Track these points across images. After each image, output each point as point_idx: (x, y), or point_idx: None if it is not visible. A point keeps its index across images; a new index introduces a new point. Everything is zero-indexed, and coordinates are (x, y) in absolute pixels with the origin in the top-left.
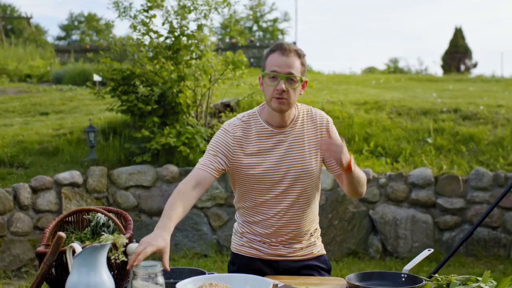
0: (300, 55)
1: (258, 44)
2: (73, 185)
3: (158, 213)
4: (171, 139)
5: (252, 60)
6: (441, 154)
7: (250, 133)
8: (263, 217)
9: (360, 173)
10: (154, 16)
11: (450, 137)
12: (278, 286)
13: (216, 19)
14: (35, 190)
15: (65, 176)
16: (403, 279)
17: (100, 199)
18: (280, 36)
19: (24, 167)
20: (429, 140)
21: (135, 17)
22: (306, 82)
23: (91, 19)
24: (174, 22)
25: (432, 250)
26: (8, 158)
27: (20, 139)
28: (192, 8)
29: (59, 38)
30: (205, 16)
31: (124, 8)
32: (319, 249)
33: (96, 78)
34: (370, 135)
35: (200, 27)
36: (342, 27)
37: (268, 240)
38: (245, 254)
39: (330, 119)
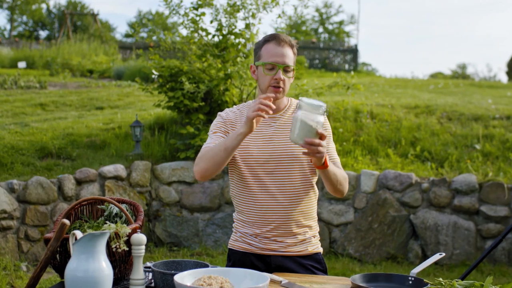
0: (292, 45)
1: (321, 45)
2: (116, 178)
3: (200, 209)
4: None
5: (316, 61)
6: (488, 160)
7: (241, 117)
8: (249, 204)
9: (338, 171)
10: (204, 14)
11: (500, 144)
12: (282, 283)
13: (282, 21)
14: (79, 182)
15: (109, 169)
16: (410, 282)
17: (143, 193)
18: (346, 39)
19: (71, 159)
20: (477, 147)
21: (185, 14)
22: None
23: (158, 17)
24: (223, 20)
25: (444, 254)
26: (56, 150)
27: (70, 131)
28: (240, 7)
29: (126, 35)
30: (253, 15)
31: (175, 5)
32: (315, 247)
33: (154, 75)
34: (417, 139)
35: (248, 26)
36: (411, 31)
37: (258, 231)
38: (239, 249)
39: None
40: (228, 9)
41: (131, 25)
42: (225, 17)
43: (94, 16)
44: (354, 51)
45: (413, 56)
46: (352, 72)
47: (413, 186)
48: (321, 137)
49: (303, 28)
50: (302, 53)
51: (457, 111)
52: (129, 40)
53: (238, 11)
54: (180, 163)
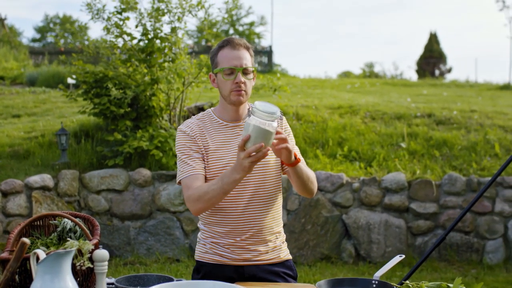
0: (248, 47)
1: None
2: (44, 188)
3: (131, 217)
4: (144, 143)
5: None
6: (414, 158)
7: (206, 128)
8: (223, 214)
9: (308, 169)
10: (128, 18)
11: (424, 142)
12: None
13: (192, 22)
14: (5, 194)
15: (35, 179)
16: (374, 285)
17: (71, 203)
18: (256, 40)
19: None
20: (403, 145)
21: (108, 19)
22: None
23: (66, 21)
24: (148, 24)
25: (404, 256)
26: None
27: None
28: (166, 10)
29: (34, 40)
30: (178, 19)
31: (98, 10)
32: (285, 253)
33: (70, 80)
34: (344, 140)
35: (173, 29)
36: (319, 31)
37: (232, 241)
38: (209, 261)
39: (283, 117)
40: (153, 13)
41: (39, 29)
42: (150, 21)
43: (1, 20)
44: (268, 52)
45: (322, 55)
46: (278, 74)
47: (344, 186)
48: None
49: (214, 30)
50: None
51: (380, 111)
52: (36, 44)
53: (163, 15)
54: (108, 170)
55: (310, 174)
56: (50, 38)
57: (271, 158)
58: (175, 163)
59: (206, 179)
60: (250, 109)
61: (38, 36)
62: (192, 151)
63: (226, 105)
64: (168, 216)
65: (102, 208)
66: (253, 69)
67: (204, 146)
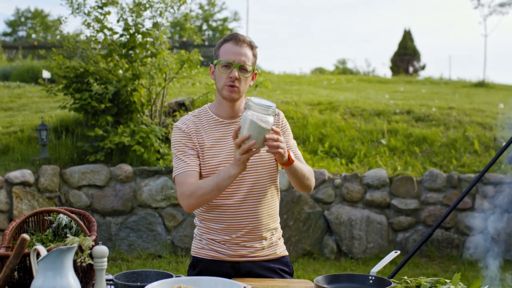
0: (252, 46)
1: (206, 43)
2: (24, 184)
3: (112, 213)
4: (125, 138)
5: (202, 59)
6: (395, 155)
7: (202, 125)
8: (219, 210)
9: (303, 166)
10: (109, 13)
11: (404, 139)
12: None
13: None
14: None
15: (16, 175)
16: (371, 281)
17: (52, 199)
18: None
19: None
20: (383, 141)
21: (89, 13)
22: (256, 74)
23: (37, 15)
24: (129, 19)
25: (399, 252)
26: None
27: None
28: (147, 5)
29: (5, 34)
30: (160, 14)
31: (78, 4)
32: (281, 250)
33: (45, 74)
34: (325, 136)
35: (155, 24)
36: (292, 27)
37: (227, 238)
38: (206, 257)
39: (281, 112)
40: (134, 8)
41: (10, 23)
42: (131, 16)
43: None
44: None
45: (294, 52)
46: (259, 70)
47: (326, 182)
48: (276, 133)
49: (187, 25)
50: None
51: (359, 107)
52: (7, 38)
53: (145, 9)
54: (89, 166)
55: (306, 171)
56: (22, 32)
57: (267, 155)
58: (157, 159)
59: (201, 176)
60: (246, 103)
61: (9, 30)
62: (187, 147)
63: (222, 100)
64: (150, 212)
65: (83, 204)
66: (251, 68)
67: (199, 144)
